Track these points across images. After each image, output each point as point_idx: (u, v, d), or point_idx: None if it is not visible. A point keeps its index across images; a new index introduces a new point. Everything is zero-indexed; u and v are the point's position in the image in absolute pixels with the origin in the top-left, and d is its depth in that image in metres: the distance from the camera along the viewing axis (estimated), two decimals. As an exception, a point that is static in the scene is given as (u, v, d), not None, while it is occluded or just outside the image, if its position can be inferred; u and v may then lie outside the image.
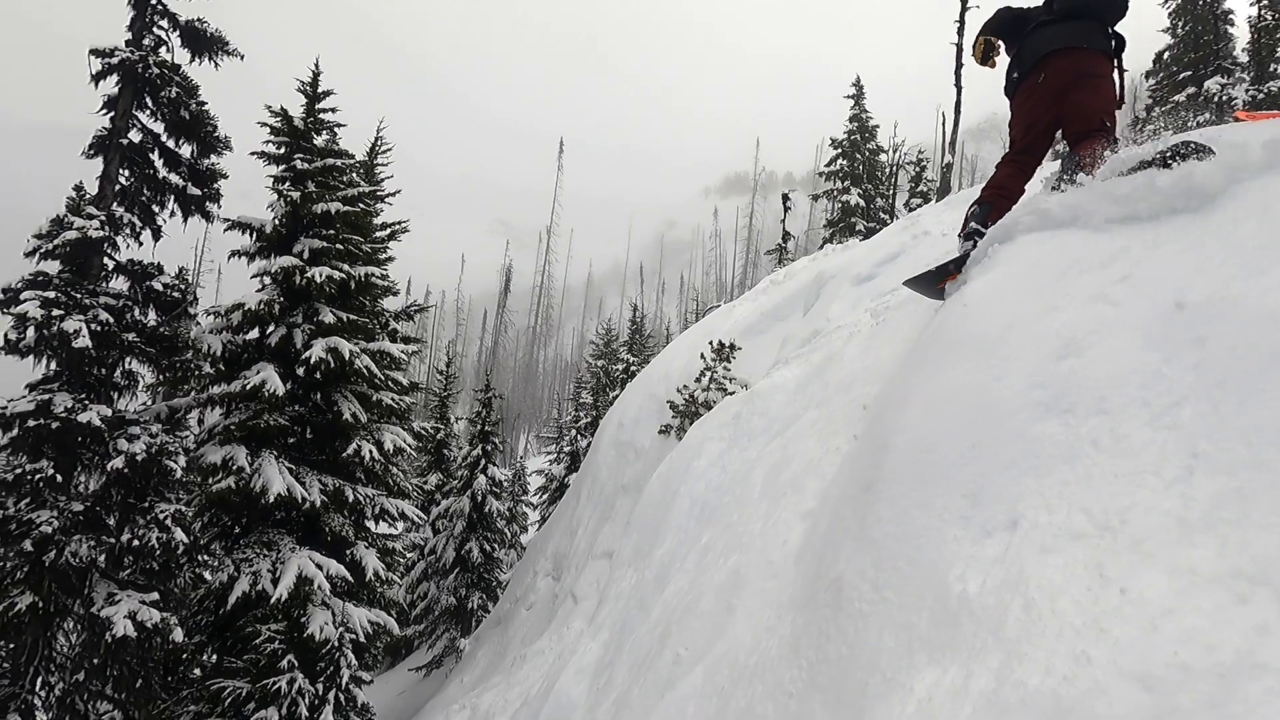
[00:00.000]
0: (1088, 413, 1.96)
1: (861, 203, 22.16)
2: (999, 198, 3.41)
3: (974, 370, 2.45)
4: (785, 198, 21.49)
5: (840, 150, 23.04)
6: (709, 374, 9.52)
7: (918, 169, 22.30)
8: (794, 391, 5.97)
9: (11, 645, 8.02)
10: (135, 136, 9.15)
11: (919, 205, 17.09)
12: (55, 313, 8.01)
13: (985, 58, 3.61)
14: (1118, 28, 3.18)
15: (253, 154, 10.96)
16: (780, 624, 2.72)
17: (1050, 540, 1.66)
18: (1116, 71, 3.16)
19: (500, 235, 68.30)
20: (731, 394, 8.41)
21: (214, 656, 10.05)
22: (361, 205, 11.60)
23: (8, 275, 8.36)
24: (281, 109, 11.05)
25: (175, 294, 9.26)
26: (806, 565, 2.87)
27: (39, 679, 7.96)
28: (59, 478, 7.99)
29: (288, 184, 10.90)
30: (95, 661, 8.30)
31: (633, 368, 24.14)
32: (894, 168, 22.29)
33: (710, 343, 9.69)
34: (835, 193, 22.59)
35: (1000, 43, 3.55)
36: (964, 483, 2.01)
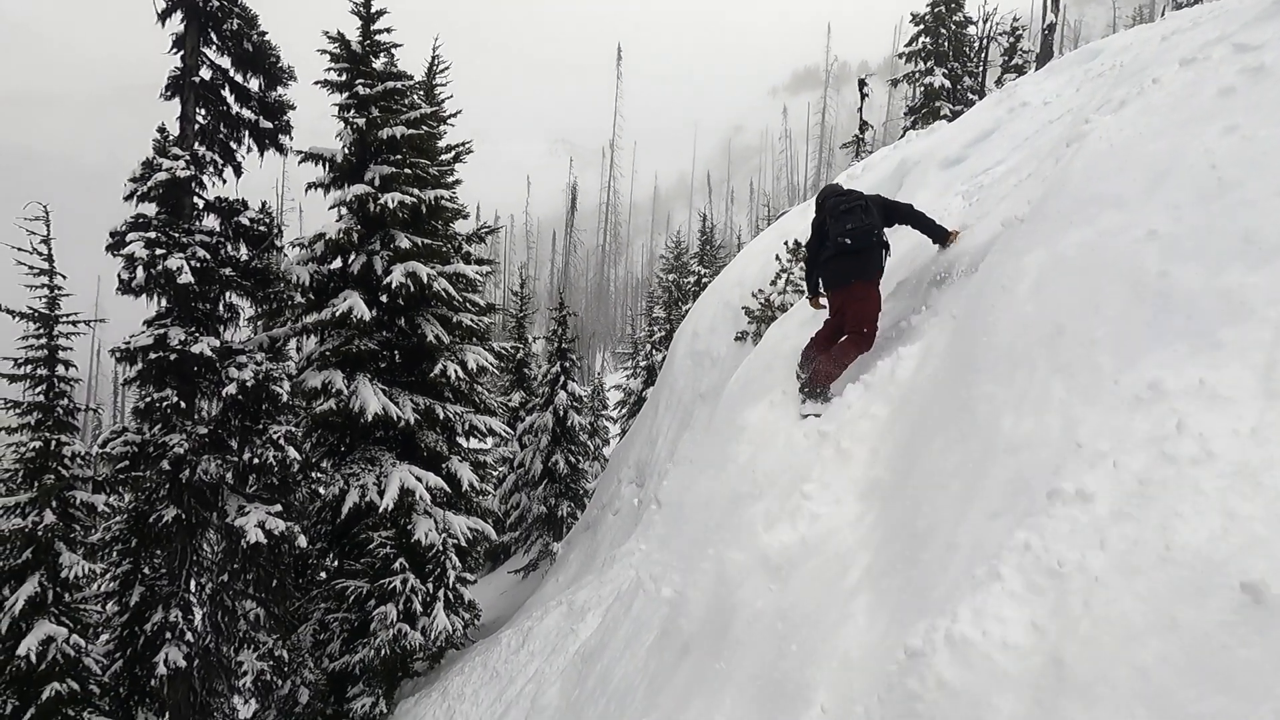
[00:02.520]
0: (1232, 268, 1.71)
1: (947, 84, 20.21)
2: (811, 352, 4.59)
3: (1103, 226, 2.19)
4: (862, 83, 19.80)
5: (922, 26, 20.89)
6: (785, 276, 9.19)
7: (1012, 40, 20.01)
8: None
9: (165, 552, 9.06)
10: (206, 74, 9.32)
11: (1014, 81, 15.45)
12: (158, 252, 8.51)
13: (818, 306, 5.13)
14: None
15: (316, 83, 11.01)
16: (868, 511, 2.65)
17: (1190, 394, 1.48)
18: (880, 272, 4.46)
19: (563, 154, 67.20)
20: (809, 295, 8.10)
21: (335, 560, 11.08)
22: (425, 128, 11.56)
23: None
24: (339, 33, 10.97)
25: (262, 228, 9.63)
26: (892, 447, 2.76)
27: (191, 580, 9.01)
28: (183, 404, 8.73)
29: (352, 111, 10.96)
30: (235, 565, 9.29)
31: (704, 279, 23.79)
32: (984, 40, 20.10)
33: (785, 243, 9.30)
34: (916, 75, 20.67)
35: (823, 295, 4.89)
36: (1088, 346, 1.82)
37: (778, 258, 9.35)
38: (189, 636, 8.60)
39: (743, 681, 2.40)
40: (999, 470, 1.86)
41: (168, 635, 8.51)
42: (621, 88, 47.47)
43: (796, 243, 9.25)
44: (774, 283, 9.33)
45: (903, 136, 14.70)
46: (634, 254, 63.96)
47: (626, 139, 48.48)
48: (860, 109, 20.21)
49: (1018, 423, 1.89)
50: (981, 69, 20.87)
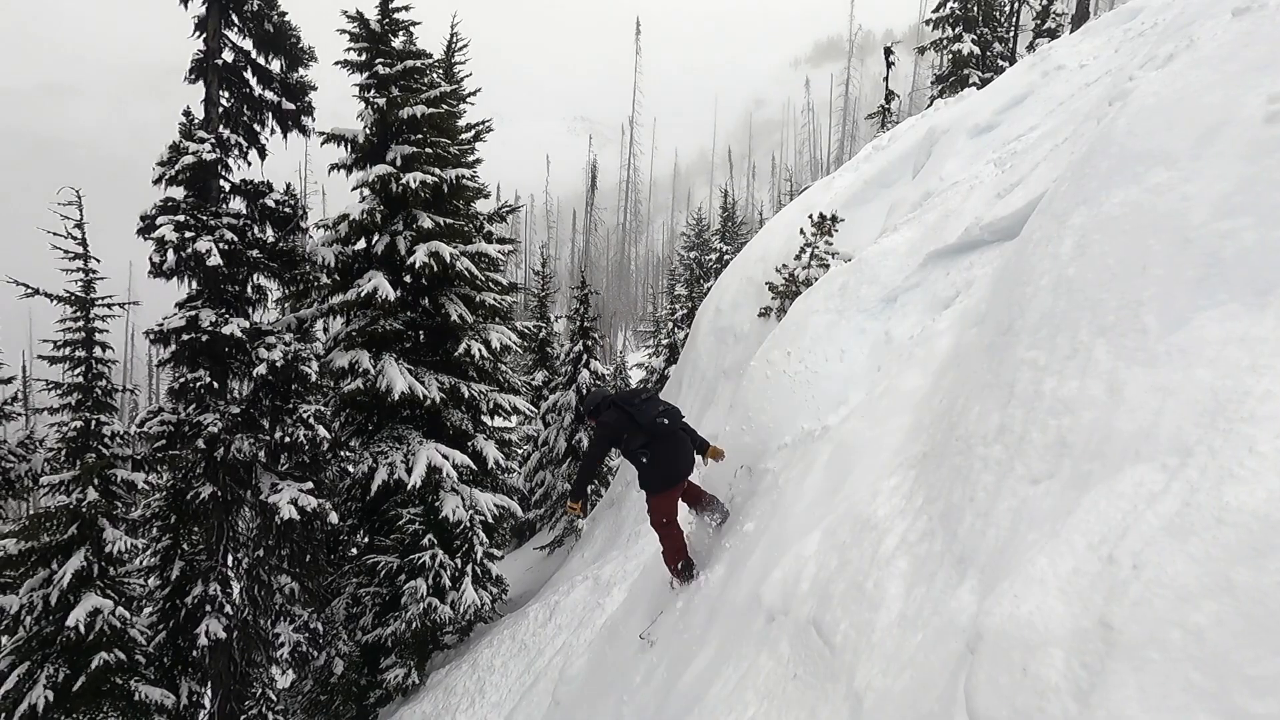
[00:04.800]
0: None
1: (976, 51, 19.59)
2: (685, 555, 4.71)
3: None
4: (888, 51, 19.28)
5: (951, -10, 20.25)
6: (809, 250, 9.07)
7: (1045, 2, 19.32)
8: (906, 255, 5.56)
9: (202, 528, 9.32)
10: (228, 56, 9.36)
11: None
12: (188, 235, 8.63)
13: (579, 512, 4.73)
14: None
15: (337, 63, 11.03)
16: (904, 481, 2.62)
17: (1244, 353, 1.42)
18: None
19: (582, 132, 66.74)
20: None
21: (366, 537, 11.33)
22: (445, 106, 11.53)
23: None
24: (358, 13, 10.94)
25: (287, 209, 9.72)
26: (929, 416, 2.72)
27: (229, 555, 9.26)
28: (215, 384, 8.91)
29: (372, 91, 10.97)
30: (270, 541, 9.53)
31: (726, 256, 23.60)
32: (1016, 3, 19.41)
33: (810, 216, 9.16)
34: (945, 42, 20.06)
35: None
36: (1128, 301, 1.76)
37: (801, 231, 9.21)
38: (228, 609, 8.87)
39: (782, 647, 2.40)
40: (1040, 435, 1.82)
41: (208, 608, 8.78)
42: (641, 63, 46.86)
43: (821, 215, 9.11)
44: (798, 257, 9.21)
45: (930, 106, 14.33)
46: (654, 232, 63.61)
47: (646, 115, 47.95)
48: (886, 78, 19.71)
49: (1060, 386, 1.85)
50: (1013, 34, 20.22)
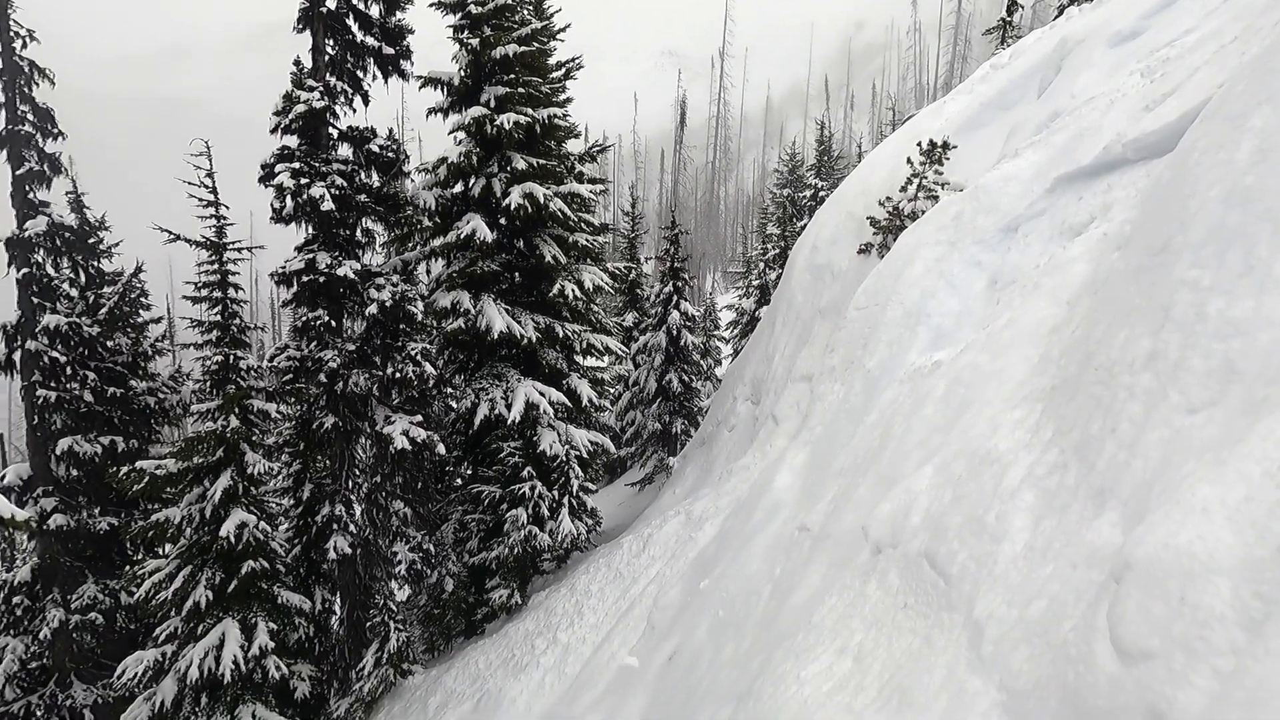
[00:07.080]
0: None
1: (1116, -51, 17.35)
2: None
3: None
4: (1012, -45, 17.36)
5: (1089, -119, 17.83)
6: (916, 181, 8.53)
7: (1206, -115, 16.71)
8: (1030, 180, 5.14)
9: (326, 455, 10.18)
10: (331, 4, 9.64)
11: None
12: (303, 181, 9.15)
13: None
14: None
15: (431, 5, 11.11)
16: (1029, 414, 2.48)
17: None
18: None
19: (670, 68, 64.75)
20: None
21: (470, 468, 12.02)
22: (536, 44, 11.45)
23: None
24: (449, -51, 10.91)
25: (390, 154, 10.08)
26: (1059, 348, 2.54)
27: (350, 480, 10.10)
28: (333, 323, 9.56)
29: (465, 32, 11.01)
30: (386, 469, 10.30)
31: (822, 193, 22.63)
32: (1169, -111, 16.89)
33: (918, 144, 8.58)
34: (1079, -58, 17.88)
35: None
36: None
37: (909, 161, 8.66)
38: (351, 528, 9.73)
39: (890, 579, 2.39)
40: (1202, 360, 1.66)
41: (334, 526, 9.67)
42: (732, -11, 44.55)
43: (930, 143, 8.51)
44: (903, 189, 8.69)
45: (1059, 15, 12.89)
46: (745, 170, 61.64)
47: (737, 47, 45.87)
48: (1008, -12, 17.77)
49: (1229, 307, 1.66)
50: (1162, -74, 17.63)
